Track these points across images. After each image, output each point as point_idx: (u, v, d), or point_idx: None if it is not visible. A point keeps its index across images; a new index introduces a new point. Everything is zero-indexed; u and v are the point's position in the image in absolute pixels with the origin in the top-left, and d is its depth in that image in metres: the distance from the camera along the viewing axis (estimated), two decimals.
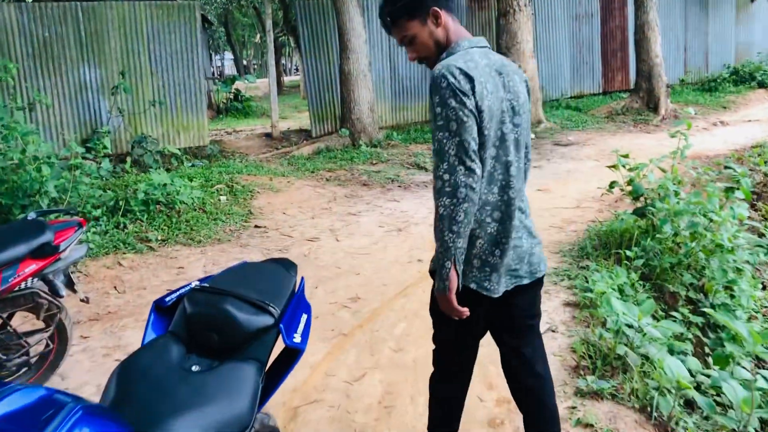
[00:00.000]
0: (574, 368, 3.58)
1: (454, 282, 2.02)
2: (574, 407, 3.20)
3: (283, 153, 10.73)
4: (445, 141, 1.96)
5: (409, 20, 2.18)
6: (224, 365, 1.70)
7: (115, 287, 5.16)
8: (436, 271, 2.05)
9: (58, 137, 9.56)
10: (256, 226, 6.68)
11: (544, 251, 5.58)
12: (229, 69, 45.23)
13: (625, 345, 3.56)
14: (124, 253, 5.80)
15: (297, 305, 1.92)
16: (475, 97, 2.00)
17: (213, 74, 23.77)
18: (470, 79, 2.00)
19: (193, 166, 9.40)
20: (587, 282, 4.57)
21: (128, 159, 8.69)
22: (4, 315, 3.20)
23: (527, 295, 2.31)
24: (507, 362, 2.49)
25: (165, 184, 6.87)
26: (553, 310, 4.39)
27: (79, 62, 9.82)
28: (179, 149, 9.88)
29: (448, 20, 2.21)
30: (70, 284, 3.35)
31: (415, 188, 8.38)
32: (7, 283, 2.96)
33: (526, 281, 2.24)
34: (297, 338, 1.81)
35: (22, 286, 3.10)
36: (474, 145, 1.97)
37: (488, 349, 3.87)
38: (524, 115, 2.19)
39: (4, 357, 3.17)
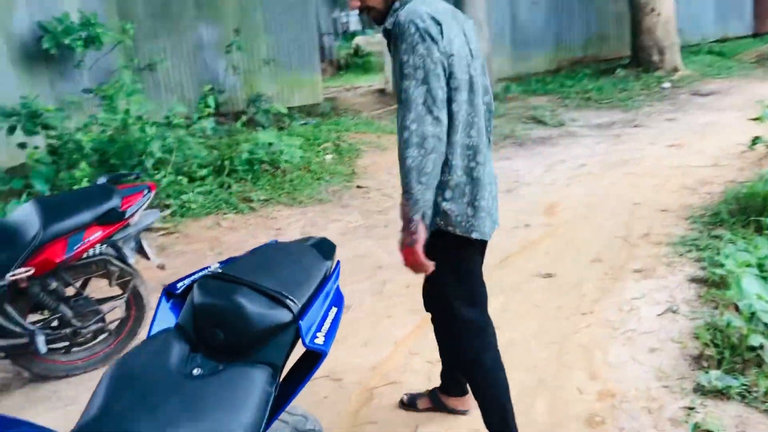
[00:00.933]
0: (696, 359, 3.06)
1: (422, 235, 2.01)
2: (691, 408, 2.71)
3: (395, 109, 10.41)
4: (412, 90, 1.92)
5: None
6: (229, 369, 1.43)
7: (212, 248, 5.12)
8: (405, 224, 2.02)
9: (177, 97, 9.76)
10: (358, 186, 6.45)
11: (672, 216, 4.98)
12: (355, 25, 45.21)
13: (762, 334, 2.99)
14: (225, 214, 5.76)
15: (326, 297, 1.60)
16: (443, 42, 1.98)
17: (337, 31, 23.74)
18: (438, 23, 1.99)
19: (305, 124, 9.30)
20: (719, 254, 3.94)
21: (243, 118, 8.73)
22: (78, 282, 3.14)
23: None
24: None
25: (270, 143, 6.77)
26: (676, 286, 3.84)
27: (196, 21, 9.91)
28: (292, 107, 9.83)
29: None
30: (141, 250, 3.24)
31: (531, 145, 7.81)
32: (72, 251, 2.88)
33: (496, 226, 2.28)
34: (319, 339, 1.50)
35: (90, 253, 3.01)
36: (441, 95, 1.95)
37: (597, 332, 3.43)
38: (478, 60, 2.20)
39: (80, 324, 3.12)
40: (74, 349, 3.23)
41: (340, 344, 3.45)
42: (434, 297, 2.41)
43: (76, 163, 5.79)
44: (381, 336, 3.52)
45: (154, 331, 1.57)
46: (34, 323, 3.03)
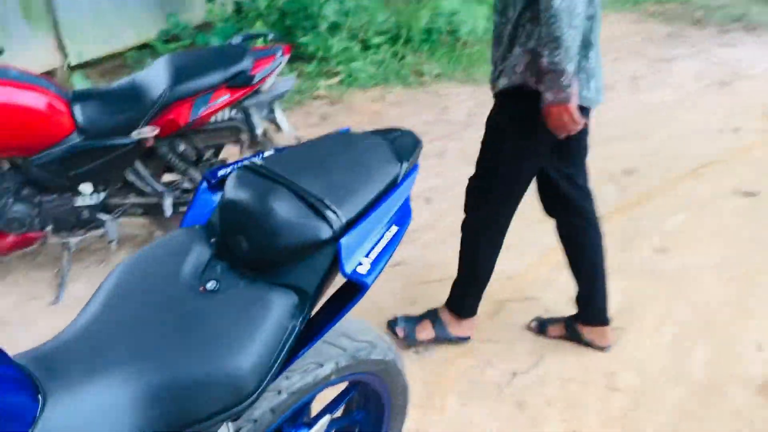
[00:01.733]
0: None
1: (576, 89, 1.81)
2: None
3: None
4: None
5: None
6: (247, 289, 1.14)
7: (373, 123, 4.86)
8: (551, 80, 1.79)
9: None
10: None
11: None
12: None
13: None
14: (393, 86, 5.43)
15: (385, 212, 1.22)
16: None
17: None
18: None
19: None
20: None
21: None
22: (209, 148, 3.02)
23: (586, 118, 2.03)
24: (559, 196, 2.29)
25: (453, 12, 6.22)
26: None
27: None
28: None
29: None
30: (275, 121, 3.03)
31: (763, 31, 6.49)
32: (197, 114, 2.73)
33: (601, 98, 2.03)
34: (363, 266, 1.13)
35: (219, 117, 2.85)
36: None
37: None
38: None
39: None
40: None
41: None
42: (486, 169, 2.22)
43: (254, 22, 5.71)
44: (528, 242, 3.07)
45: (187, 224, 1.31)
46: (166, 184, 2.98)
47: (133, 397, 0.97)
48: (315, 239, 1.13)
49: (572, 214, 2.28)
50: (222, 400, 1.03)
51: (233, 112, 2.88)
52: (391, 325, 2.46)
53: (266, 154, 1.36)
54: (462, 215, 2.34)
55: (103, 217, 2.88)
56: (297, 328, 1.12)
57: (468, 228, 2.33)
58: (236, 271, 1.18)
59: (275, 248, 1.14)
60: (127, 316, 1.08)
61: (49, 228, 2.80)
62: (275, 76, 2.90)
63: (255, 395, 1.06)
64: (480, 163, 2.23)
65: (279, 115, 3.03)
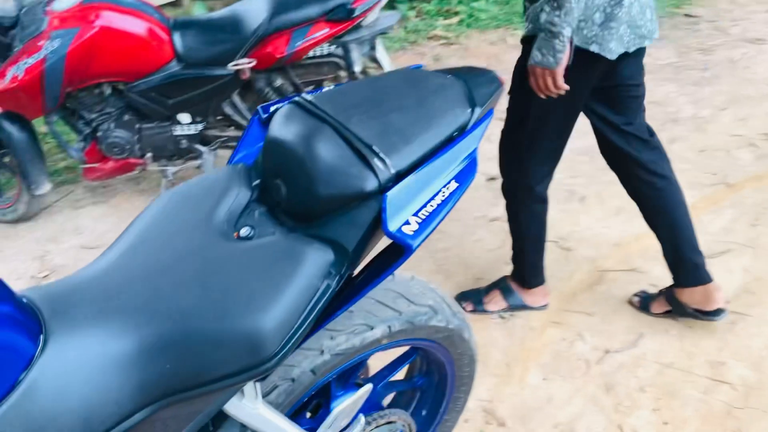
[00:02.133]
0: None
1: (566, 57, 1.68)
2: None
3: None
4: None
5: None
6: (280, 240, 1.02)
7: (488, 67, 4.59)
8: (544, 40, 1.64)
9: None
10: (686, 15, 5.20)
11: None
12: None
13: None
14: (515, 29, 5.09)
15: (446, 165, 1.04)
16: None
17: None
18: None
19: None
20: None
21: None
22: (308, 84, 2.91)
23: (633, 63, 1.86)
24: (612, 148, 2.03)
25: None
26: None
27: None
28: None
29: None
30: (375, 58, 2.87)
31: None
32: (294, 47, 2.63)
33: (646, 42, 1.81)
34: (410, 226, 0.97)
35: (318, 52, 2.73)
36: None
37: None
38: None
39: None
40: None
41: (583, 208, 2.84)
42: (512, 122, 2.03)
43: None
44: None
45: (234, 162, 1.20)
46: None
47: (141, 347, 0.89)
48: (358, 190, 0.99)
49: (628, 164, 2.02)
50: (238, 359, 0.93)
51: (332, 47, 2.76)
52: (458, 299, 2.31)
53: (325, 89, 1.21)
54: None
55: (200, 148, 2.88)
56: (331, 288, 0.99)
57: (507, 192, 2.15)
58: (274, 218, 1.07)
59: (314, 197, 1.01)
60: (150, 259, 1.00)
61: (148, 155, 2.83)
62: (378, 10, 2.74)
63: (276, 358, 0.95)
64: (507, 115, 2.03)
65: (380, 52, 2.88)
